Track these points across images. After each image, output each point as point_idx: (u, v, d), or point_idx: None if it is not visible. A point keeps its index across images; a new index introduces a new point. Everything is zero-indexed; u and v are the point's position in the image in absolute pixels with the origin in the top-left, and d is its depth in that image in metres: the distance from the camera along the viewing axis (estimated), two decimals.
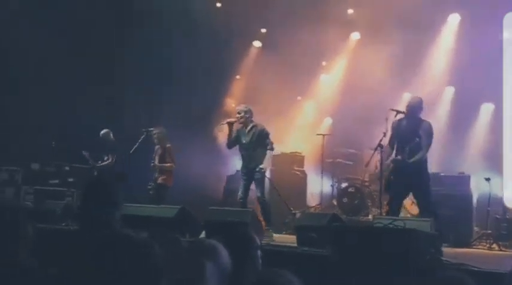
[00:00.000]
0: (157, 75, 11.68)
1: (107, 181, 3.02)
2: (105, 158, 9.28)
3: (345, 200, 9.50)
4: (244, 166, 7.61)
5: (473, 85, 9.43)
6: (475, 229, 8.21)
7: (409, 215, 8.73)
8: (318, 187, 10.26)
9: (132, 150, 8.41)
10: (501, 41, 9.74)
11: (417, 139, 6.28)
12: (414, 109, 6.54)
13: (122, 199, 3.00)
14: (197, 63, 11.29)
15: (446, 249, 5.64)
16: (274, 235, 7.17)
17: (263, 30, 12.48)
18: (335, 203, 9.87)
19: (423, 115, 6.66)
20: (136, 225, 3.03)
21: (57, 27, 10.13)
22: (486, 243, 7.63)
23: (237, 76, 12.76)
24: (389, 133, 6.79)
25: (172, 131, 9.07)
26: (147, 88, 11.61)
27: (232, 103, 11.49)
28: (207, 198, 9.98)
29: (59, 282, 2.76)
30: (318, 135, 10.17)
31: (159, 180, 8.59)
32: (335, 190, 10.17)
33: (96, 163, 9.28)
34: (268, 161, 7.53)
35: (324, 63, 12.26)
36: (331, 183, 10.25)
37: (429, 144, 6.42)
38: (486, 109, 10.42)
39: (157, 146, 8.73)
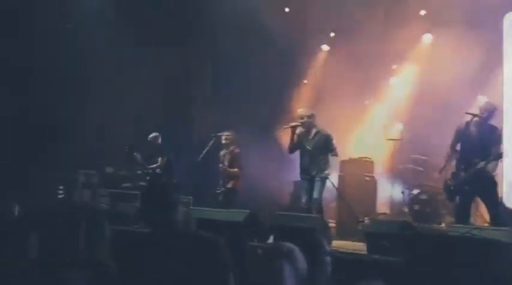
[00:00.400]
0: (225, 81, 11.85)
1: (161, 183, 3.11)
2: (158, 161, 9.47)
3: (416, 207, 9.21)
4: (305, 173, 7.40)
5: None
6: None
7: (486, 224, 8.36)
8: (388, 193, 10.01)
9: (202, 155, 8.56)
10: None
11: (483, 146, 5.97)
12: (487, 115, 6.18)
13: (178, 200, 3.05)
14: (264, 68, 11.35)
15: None
16: (343, 242, 7.05)
17: (332, 34, 12.38)
18: (406, 210, 9.59)
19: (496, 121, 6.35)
20: (206, 229, 3.08)
21: (124, 30, 10.53)
22: None
23: (304, 81, 12.72)
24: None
25: (241, 136, 9.16)
26: (215, 93, 11.82)
27: (299, 108, 11.47)
28: (274, 204, 10.00)
29: (135, 281, 2.83)
30: (388, 140, 9.93)
31: (229, 185, 8.69)
32: (406, 196, 9.89)
33: (148, 165, 9.54)
34: (332, 167, 7.37)
35: (394, 67, 11.99)
36: (401, 190, 9.98)
37: (501, 153, 6.10)
38: None
39: (224, 151, 8.82)
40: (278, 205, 9.94)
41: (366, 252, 5.43)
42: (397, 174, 9.83)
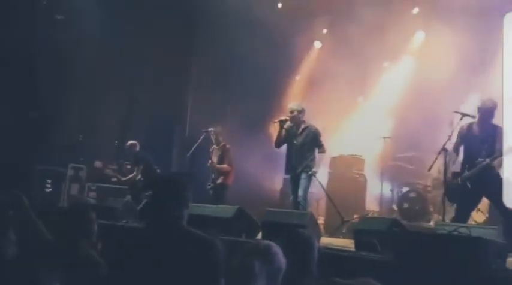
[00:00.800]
0: (217, 76, 11.81)
1: (179, 180, 3.02)
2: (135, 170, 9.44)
3: (405, 205, 9.24)
4: (291, 169, 7.24)
5: None
6: None
7: (473, 223, 8.40)
8: (378, 191, 10.02)
9: (191, 151, 8.53)
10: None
11: (486, 146, 5.82)
12: (488, 113, 5.96)
13: (191, 198, 3.00)
14: (257, 64, 11.32)
15: None
16: (331, 238, 7.05)
17: (324, 31, 12.37)
18: (395, 208, 9.62)
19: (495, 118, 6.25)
20: (194, 224, 3.04)
21: (114, 22, 10.46)
22: None
23: (297, 77, 12.71)
24: (454, 137, 6.51)
25: (231, 132, 9.13)
26: (207, 88, 11.78)
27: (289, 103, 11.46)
28: (264, 199, 9.99)
29: (121, 276, 2.81)
30: (378, 137, 9.93)
31: (219, 180, 8.66)
32: (395, 194, 9.92)
33: (122, 177, 9.54)
34: (319, 164, 7.16)
35: (386, 64, 12.00)
36: (391, 187, 10.00)
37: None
38: None
39: (213, 147, 8.79)
40: (268, 201, 9.94)
41: (354, 249, 5.42)
42: (386, 172, 9.83)
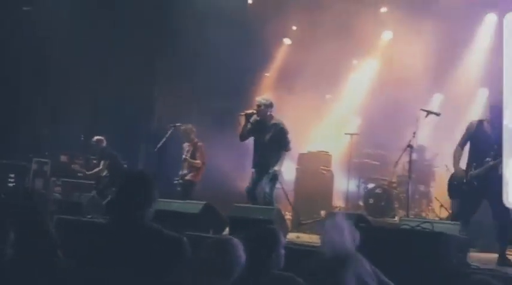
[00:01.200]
0: (187, 71, 11.73)
1: (146, 177, 2.99)
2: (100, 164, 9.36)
3: (371, 201, 9.37)
4: (256, 166, 7.10)
5: (507, 87, 9.17)
6: None
7: (437, 218, 8.59)
8: (344, 187, 10.15)
9: (159, 146, 8.48)
10: None
11: (495, 146, 5.53)
12: (498, 110, 5.58)
13: (157, 196, 2.98)
14: (226, 60, 11.29)
15: (474, 255, 5.51)
16: (298, 234, 7.09)
17: (294, 28, 12.42)
18: (361, 204, 9.75)
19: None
20: (161, 220, 3.03)
21: (95, 23, 10.31)
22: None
23: (266, 74, 12.73)
24: (419, 134, 6.61)
25: (199, 128, 9.10)
26: (175, 84, 11.70)
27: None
28: (233, 195, 9.99)
29: (85, 272, 2.78)
30: (346, 134, 10.05)
31: (188, 176, 8.64)
32: (361, 190, 10.05)
33: (87, 171, 9.43)
34: (282, 163, 6.96)
35: (354, 62, 12.13)
36: (357, 183, 10.14)
37: None
38: None
39: (186, 144, 8.77)
40: (237, 197, 9.93)
41: (320, 244, 5.47)
42: (353, 168, 9.95)
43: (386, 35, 11.56)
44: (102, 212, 6.93)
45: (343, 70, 11.86)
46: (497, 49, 9.87)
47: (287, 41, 12.66)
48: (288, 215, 8.91)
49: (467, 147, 5.97)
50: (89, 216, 6.82)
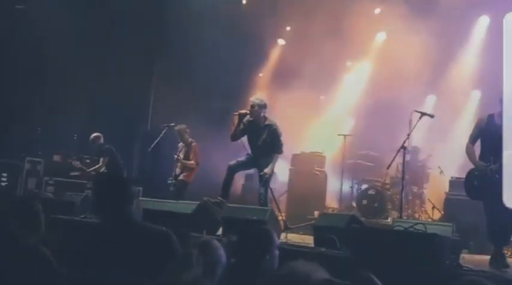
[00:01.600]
0: (181, 73, 11.72)
1: (116, 178, 3.05)
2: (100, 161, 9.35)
3: (364, 202, 9.40)
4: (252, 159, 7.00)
5: (500, 89, 9.22)
6: None
7: (430, 220, 8.62)
8: (338, 188, 10.17)
9: (153, 145, 8.46)
10: None
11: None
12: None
13: (133, 193, 3.01)
14: (221, 61, 11.29)
15: (467, 256, 5.53)
16: (291, 234, 7.09)
17: (288, 28, 12.43)
18: (354, 205, 9.78)
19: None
20: (154, 220, 3.04)
21: (93, 22, 10.27)
22: (508, 251, 7.43)
23: (260, 74, 12.73)
24: (413, 136, 6.62)
25: (195, 128, 9.09)
26: (171, 84, 11.68)
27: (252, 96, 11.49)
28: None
29: (78, 271, 2.78)
30: (339, 135, 10.08)
31: (181, 176, 8.65)
32: (355, 191, 10.08)
33: (88, 168, 9.43)
34: (274, 166, 6.89)
35: (348, 63, 12.16)
36: (351, 184, 10.16)
37: None
38: None
39: (181, 144, 8.77)
40: (230, 197, 9.92)
41: (313, 245, 5.48)
42: (347, 169, 9.98)
43: (380, 36, 11.59)
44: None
45: (337, 71, 11.89)
46: (490, 51, 9.97)
47: (281, 42, 12.68)
48: (281, 216, 8.91)
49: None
50: (82, 216, 6.79)
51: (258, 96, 7.48)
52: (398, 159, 7.17)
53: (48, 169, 9.88)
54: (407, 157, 7.62)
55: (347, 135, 9.95)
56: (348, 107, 11.65)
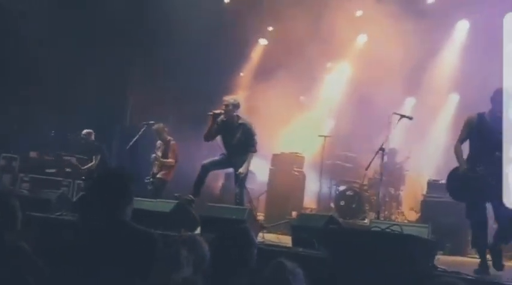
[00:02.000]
0: (161, 70, 11.65)
1: (125, 175, 2.98)
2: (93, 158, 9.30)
3: (342, 203, 9.45)
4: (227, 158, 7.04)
5: (478, 92, 9.36)
6: None
7: (406, 221, 8.71)
8: (316, 188, 10.21)
9: (131, 143, 8.40)
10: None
11: (501, 138, 5.08)
12: (500, 103, 5.15)
13: (133, 195, 2.96)
14: (201, 60, 11.24)
15: (442, 257, 5.59)
16: (269, 234, 7.10)
17: (270, 28, 12.44)
18: (332, 205, 9.82)
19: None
20: (132, 218, 3.00)
21: (70, 20, 10.14)
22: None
23: (241, 74, 12.72)
24: (392, 137, 6.66)
25: (174, 127, 9.05)
26: (151, 83, 11.60)
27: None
28: (205, 194, 9.95)
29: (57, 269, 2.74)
30: (319, 136, 10.12)
31: (159, 175, 8.59)
32: (333, 192, 10.13)
33: (82, 166, 9.34)
34: (248, 165, 6.90)
35: (329, 64, 12.22)
36: (329, 185, 10.21)
37: None
38: None
39: (159, 142, 8.73)
40: (209, 196, 9.90)
41: (291, 245, 5.50)
42: (325, 170, 10.03)
43: (361, 39, 11.67)
44: (71, 209, 6.82)
45: (318, 72, 11.94)
46: (468, 55, 10.12)
47: (263, 41, 12.68)
48: (260, 216, 8.93)
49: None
50: (58, 213, 6.70)
51: (232, 95, 7.51)
52: (377, 161, 7.24)
53: (23, 166, 9.73)
54: (385, 159, 7.70)
55: (327, 136, 10.00)
56: (328, 108, 11.70)
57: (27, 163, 9.81)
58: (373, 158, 7.02)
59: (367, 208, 9.43)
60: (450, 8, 10.16)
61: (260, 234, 6.21)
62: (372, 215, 8.84)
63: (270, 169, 10.11)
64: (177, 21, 10.84)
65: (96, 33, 10.68)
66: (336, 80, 12.01)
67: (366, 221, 8.96)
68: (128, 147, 8.45)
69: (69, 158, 9.44)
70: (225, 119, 6.96)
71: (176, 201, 6.48)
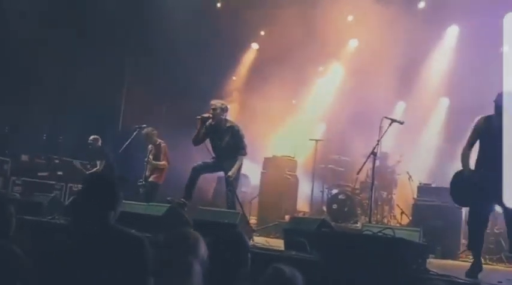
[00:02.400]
0: (154, 73, 11.64)
1: (111, 180, 2.98)
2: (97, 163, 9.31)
3: (334, 206, 9.47)
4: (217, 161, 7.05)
5: (468, 96, 9.44)
6: (463, 241, 8.19)
7: (398, 225, 8.75)
8: (309, 192, 10.24)
9: (123, 147, 8.40)
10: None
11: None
12: (501, 105, 5.10)
13: (121, 199, 2.97)
14: (194, 63, 11.25)
15: (433, 261, 5.63)
16: (262, 238, 7.12)
17: (262, 33, 12.48)
18: (324, 209, 9.85)
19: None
20: (124, 222, 3.01)
21: (63, 22, 10.12)
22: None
23: (233, 77, 12.75)
24: (383, 142, 6.70)
25: (166, 130, 9.05)
26: (142, 87, 11.59)
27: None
28: (197, 197, 9.94)
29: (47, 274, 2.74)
30: (311, 140, 10.15)
31: (151, 178, 8.61)
32: (325, 196, 10.16)
33: (87, 171, 9.33)
34: (238, 168, 6.89)
35: (320, 68, 12.27)
36: (321, 189, 10.24)
37: None
38: None
39: (150, 146, 8.74)
40: (201, 199, 9.91)
41: (283, 249, 5.51)
42: (318, 173, 10.06)
43: (352, 43, 11.74)
44: (63, 213, 6.80)
45: (309, 76, 11.99)
46: (459, 59, 10.21)
47: (255, 46, 12.72)
48: (252, 219, 8.94)
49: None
50: (50, 217, 6.68)
51: (219, 99, 7.48)
52: (369, 164, 7.28)
53: (15, 169, 9.69)
54: (377, 163, 7.74)
55: (318, 140, 10.03)
56: (320, 112, 11.75)
57: (19, 166, 9.78)
58: (365, 162, 7.06)
59: (359, 211, 9.46)
60: (441, 14, 10.26)
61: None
62: (364, 218, 8.87)
63: (262, 173, 10.12)
64: (171, 23, 10.87)
65: (89, 33, 10.65)
66: (328, 84, 12.07)
67: (358, 224, 8.99)
68: (120, 150, 8.46)
69: (76, 162, 9.43)
70: (213, 123, 6.98)
71: (169, 205, 6.47)
